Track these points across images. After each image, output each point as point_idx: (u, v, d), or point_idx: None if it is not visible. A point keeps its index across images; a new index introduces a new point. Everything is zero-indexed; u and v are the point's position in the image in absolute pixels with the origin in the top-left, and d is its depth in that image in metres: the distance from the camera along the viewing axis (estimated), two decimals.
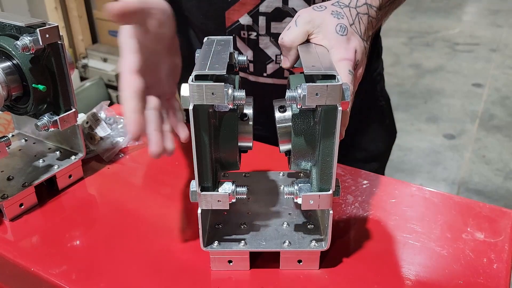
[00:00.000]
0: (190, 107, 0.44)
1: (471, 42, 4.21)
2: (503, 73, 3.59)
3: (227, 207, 0.50)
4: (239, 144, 0.50)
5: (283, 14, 0.72)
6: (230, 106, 0.46)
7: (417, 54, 3.99)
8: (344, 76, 0.49)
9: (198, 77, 0.45)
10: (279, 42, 0.54)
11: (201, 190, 0.49)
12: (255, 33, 0.75)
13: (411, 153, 2.62)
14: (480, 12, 5.06)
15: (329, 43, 0.52)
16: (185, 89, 0.45)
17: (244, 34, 0.75)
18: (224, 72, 0.45)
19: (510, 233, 0.60)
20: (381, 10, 0.59)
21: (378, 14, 0.58)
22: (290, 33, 0.53)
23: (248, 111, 0.51)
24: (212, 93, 0.44)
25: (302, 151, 0.50)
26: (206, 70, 0.45)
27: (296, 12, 0.54)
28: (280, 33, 0.54)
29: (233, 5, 0.72)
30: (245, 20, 0.73)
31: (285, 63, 0.55)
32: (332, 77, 0.45)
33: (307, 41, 0.54)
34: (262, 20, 0.73)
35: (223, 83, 0.44)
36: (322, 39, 0.53)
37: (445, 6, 5.19)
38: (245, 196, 0.50)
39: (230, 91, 0.44)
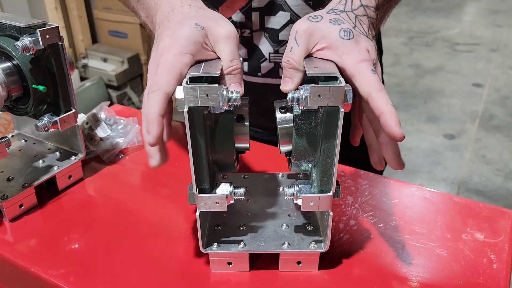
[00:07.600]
0: (185, 110, 0.44)
1: (471, 42, 4.20)
2: (503, 73, 3.59)
3: (225, 209, 0.50)
4: (235, 145, 0.50)
5: (276, 7, 0.72)
6: (225, 108, 0.46)
7: (417, 54, 3.98)
8: (369, 76, 0.46)
9: (192, 79, 0.45)
10: (283, 65, 0.50)
11: (199, 192, 0.49)
12: (248, 30, 0.74)
13: (411, 153, 2.62)
14: (480, 12, 5.06)
15: (338, 51, 0.48)
16: (179, 92, 0.45)
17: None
18: (218, 73, 0.45)
19: (510, 233, 0.60)
20: (379, 10, 0.56)
21: (377, 15, 0.56)
22: (294, 53, 0.49)
23: (244, 111, 0.50)
24: (207, 95, 0.43)
25: (303, 152, 0.50)
26: (200, 72, 0.45)
27: (288, 5, 0.51)
28: (273, 28, 0.52)
29: (225, 1, 0.72)
30: (237, 17, 0.73)
31: (288, 85, 0.49)
32: (334, 78, 0.45)
33: (310, 55, 0.50)
34: (255, 16, 0.72)
35: (217, 85, 0.44)
36: (329, 48, 0.49)
37: (445, 6, 5.18)
38: (243, 197, 0.50)
39: (224, 92, 0.44)
